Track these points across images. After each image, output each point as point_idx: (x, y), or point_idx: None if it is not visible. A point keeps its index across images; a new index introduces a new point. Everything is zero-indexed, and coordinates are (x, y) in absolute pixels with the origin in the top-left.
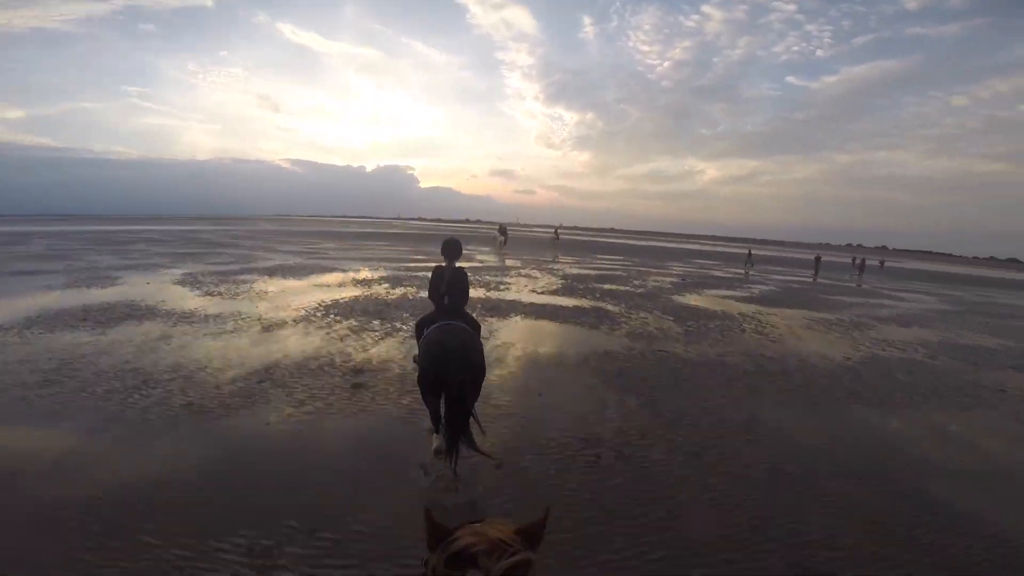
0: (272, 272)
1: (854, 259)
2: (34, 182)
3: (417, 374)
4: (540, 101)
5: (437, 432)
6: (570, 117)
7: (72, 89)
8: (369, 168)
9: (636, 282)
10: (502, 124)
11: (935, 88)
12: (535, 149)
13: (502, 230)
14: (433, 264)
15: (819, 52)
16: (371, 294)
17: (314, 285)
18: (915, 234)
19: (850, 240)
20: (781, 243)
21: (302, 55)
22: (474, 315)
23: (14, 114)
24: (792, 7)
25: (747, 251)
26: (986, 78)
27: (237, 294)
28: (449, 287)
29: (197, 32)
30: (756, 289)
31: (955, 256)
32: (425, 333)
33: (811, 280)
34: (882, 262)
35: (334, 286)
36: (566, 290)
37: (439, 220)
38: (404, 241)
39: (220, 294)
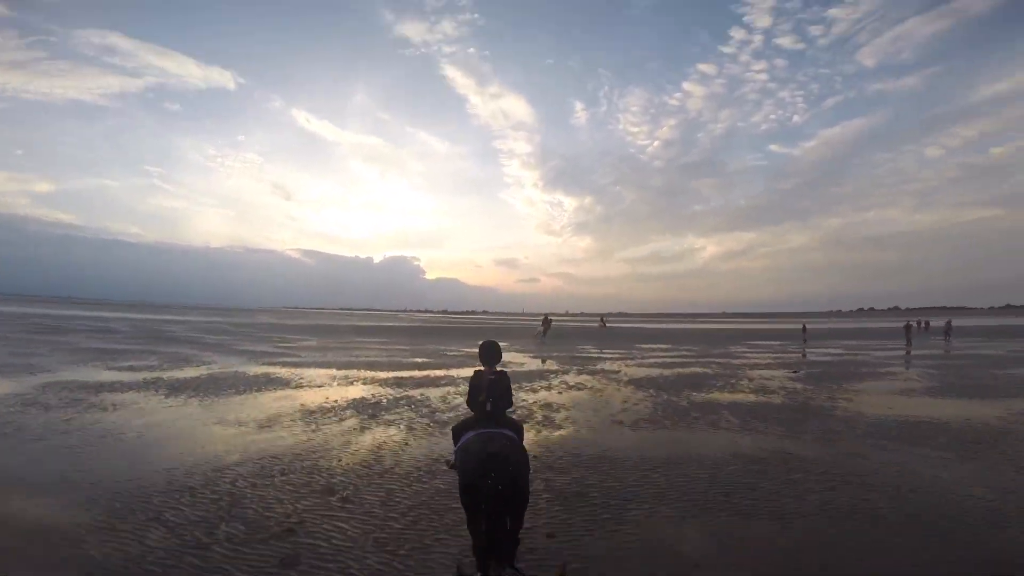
0: (177, 388)
1: (915, 323)
2: (46, 259)
3: (458, 474)
4: (539, 188)
5: (476, 557)
6: (569, 203)
7: (100, 165)
8: (376, 259)
9: (741, 383)
10: (503, 213)
11: (907, 142)
12: (536, 237)
13: (545, 321)
14: (435, 372)
15: (795, 118)
16: (310, 447)
17: (215, 421)
18: (908, 293)
19: (846, 304)
20: (771, 315)
21: (313, 143)
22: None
23: (44, 187)
24: (764, 76)
25: (801, 326)
26: (949, 126)
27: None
28: (490, 393)
29: (217, 115)
30: (901, 374)
31: (970, 308)
32: (463, 440)
33: (904, 352)
34: (948, 323)
35: (252, 424)
36: (666, 413)
37: (445, 312)
38: (403, 336)
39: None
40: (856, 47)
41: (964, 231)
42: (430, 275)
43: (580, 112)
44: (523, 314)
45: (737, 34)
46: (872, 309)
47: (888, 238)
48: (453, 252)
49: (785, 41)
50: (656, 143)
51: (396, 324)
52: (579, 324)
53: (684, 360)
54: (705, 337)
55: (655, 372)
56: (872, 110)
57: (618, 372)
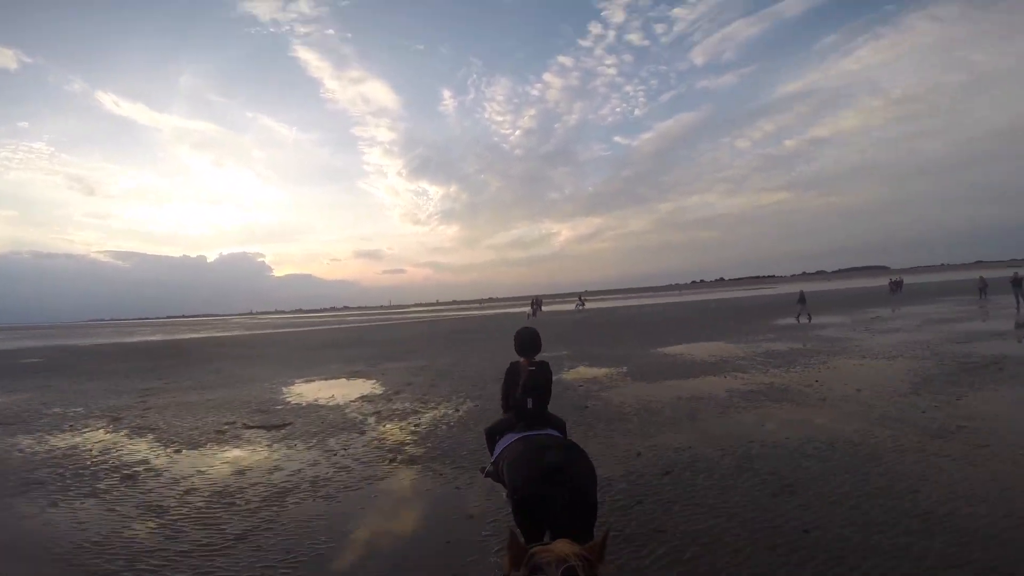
0: None
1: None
2: None
3: (509, 503)
4: (403, 177)
5: None
6: (435, 191)
7: None
8: (211, 258)
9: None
10: (364, 203)
11: (723, 134)
12: (401, 227)
13: (535, 303)
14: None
15: (636, 111)
16: None
17: None
18: (729, 265)
19: (681, 279)
20: (629, 291)
21: (124, 129)
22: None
23: None
24: (613, 70)
25: (799, 293)
26: (756, 120)
27: None
28: (528, 389)
29: None
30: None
31: (778, 276)
32: (503, 443)
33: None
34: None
35: None
36: None
37: (299, 311)
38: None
39: None
40: (691, 46)
41: (764, 212)
42: (278, 272)
43: (448, 100)
44: (391, 306)
45: (595, 28)
46: (702, 281)
47: (709, 220)
48: (306, 246)
49: (634, 38)
50: (518, 132)
51: (214, 334)
52: (517, 312)
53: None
54: (731, 313)
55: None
56: (699, 105)
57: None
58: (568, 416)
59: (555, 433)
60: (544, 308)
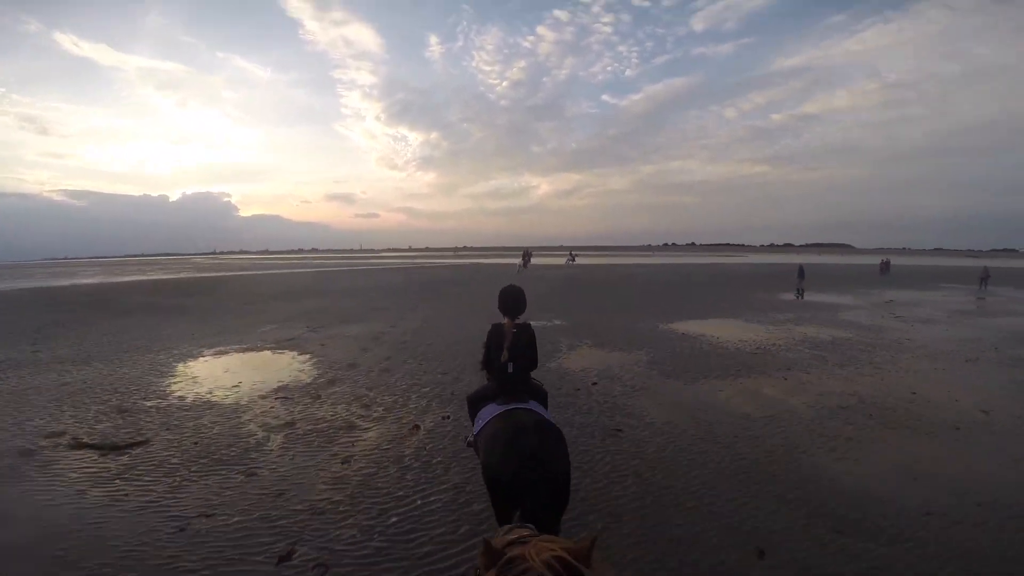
0: None
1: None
2: None
3: (482, 467)
4: (382, 121)
5: None
6: (414, 137)
7: None
8: (173, 197)
9: None
10: (339, 146)
11: (713, 102)
12: (377, 171)
13: (525, 255)
14: None
15: (628, 72)
16: None
17: None
18: (701, 231)
19: (654, 240)
20: (605, 248)
21: (84, 70)
22: (542, 384)
23: None
24: (609, 29)
25: (798, 267)
26: (748, 92)
27: None
28: (512, 352)
29: None
30: None
31: (747, 246)
32: (483, 417)
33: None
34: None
35: None
36: None
37: (266, 252)
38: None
39: None
40: (693, 11)
41: (743, 183)
42: (245, 212)
43: (435, 46)
44: (361, 251)
45: None
46: (674, 244)
47: (688, 185)
48: (275, 187)
49: None
50: (506, 83)
51: (153, 277)
52: (495, 263)
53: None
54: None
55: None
56: (692, 71)
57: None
58: (595, 444)
59: (535, 408)
60: (533, 261)
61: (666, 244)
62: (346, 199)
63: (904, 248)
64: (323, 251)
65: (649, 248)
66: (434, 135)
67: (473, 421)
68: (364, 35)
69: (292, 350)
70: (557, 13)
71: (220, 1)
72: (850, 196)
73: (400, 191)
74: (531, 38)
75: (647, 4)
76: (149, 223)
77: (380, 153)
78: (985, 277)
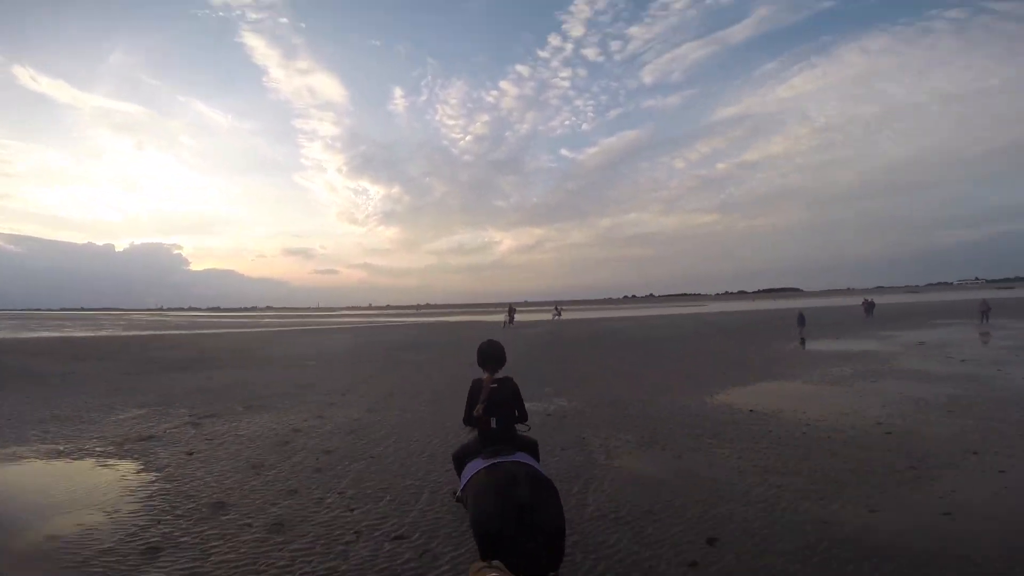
0: None
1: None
2: None
3: (471, 521)
4: (343, 174)
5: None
6: (376, 191)
7: None
8: (120, 247)
9: None
10: (299, 198)
11: (662, 154)
12: (337, 226)
13: (510, 311)
14: None
15: (584, 126)
16: None
17: None
18: (658, 282)
19: (614, 293)
20: (578, 302)
21: (40, 105)
22: (530, 433)
23: None
24: (567, 83)
25: (798, 315)
26: (694, 142)
27: None
28: (491, 407)
29: None
30: None
31: (702, 295)
32: (468, 471)
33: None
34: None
35: None
36: None
37: (216, 309)
38: None
39: None
40: (641, 65)
41: (695, 232)
42: (196, 266)
43: (399, 99)
44: (319, 309)
45: (554, 40)
46: (632, 296)
47: (643, 237)
48: (230, 241)
49: (590, 52)
50: (469, 137)
51: (49, 334)
52: (480, 322)
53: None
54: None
55: None
56: (643, 123)
57: None
58: None
59: (525, 459)
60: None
61: (625, 296)
62: (305, 254)
63: (848, 288)
64: (278, 309)
65: (610, 301)
66: (396, 189)
67: (460, 476)
68: (328, 86)
69: (133, 461)
70: (519, 68)
71: (187, 43)
72: (793, 240)
73: (360, 246)
74: (494, 92)
75: (601, 59)
76: (92, 274)
77: (340, 207)
78: (986, 311)
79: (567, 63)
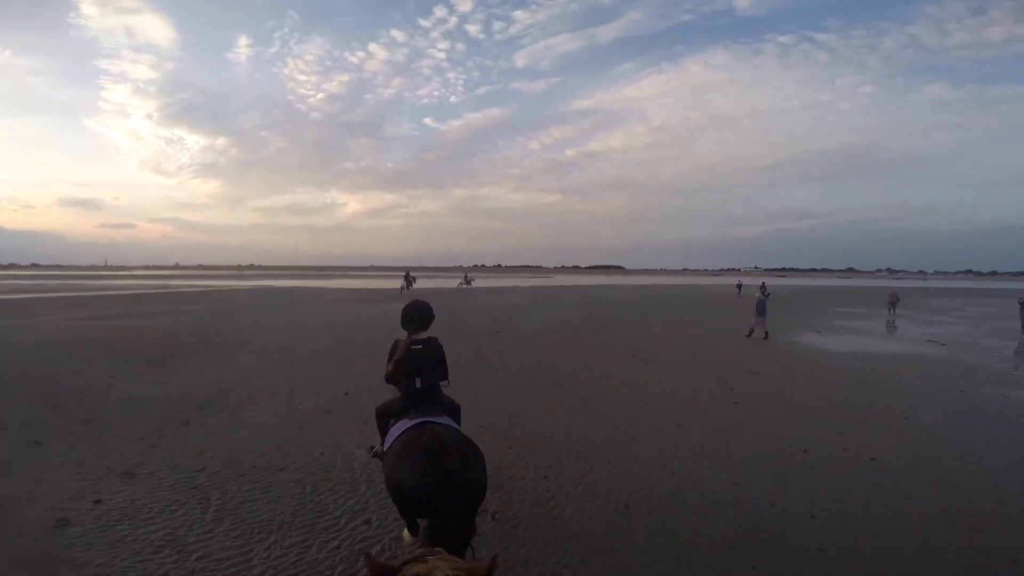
0: None
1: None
2: None
3: (386, 482)
4: (154, 120)
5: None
6: (194, 141)
7: None
8: None
9: None
10: (86, 145)
11: (520, 134)
12: (139, 176)
13: (407, 278)
14: None
15: (452, 98)
16: None
17: None
18: (506, 253)
19: (466, 261)
20: (428, 267)
21: None
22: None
23: None
24: (443, 55)
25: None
26: (549, 127)
27: None
28: (413, 368)
29: None
30: None
31: (544, 268)
32: (394, 431)
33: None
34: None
35: None
36: None
37: None
38: None
39: None
40: (518, 48)
41: (540, 210)
42: None
43: (243, 48)
44: (107, 267)
45: (439, 11)
46: (482, 265)
47: (495, 210)
48: None
49: (473, 29)
50: (321, 95)
51: None
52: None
53: None
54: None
55: None
56: (508, 104)
57: None
58: None
59: (451, 423)
60: (415, 284)
61: (475, 265)
62: (91, 205)
63: (661, 269)
64: (46, 266)
65: (461, 268)
66: (220, 140)
67: (383, 434)
68: (155, 27)
69: None
70: (395, 33)
71: None
72: (621, 225)
73: (168, 199)
74: (360, 54)
75: (482, 36)
76: None
77: (146, 156)
78: (894, 302)
79: (448, 35)
